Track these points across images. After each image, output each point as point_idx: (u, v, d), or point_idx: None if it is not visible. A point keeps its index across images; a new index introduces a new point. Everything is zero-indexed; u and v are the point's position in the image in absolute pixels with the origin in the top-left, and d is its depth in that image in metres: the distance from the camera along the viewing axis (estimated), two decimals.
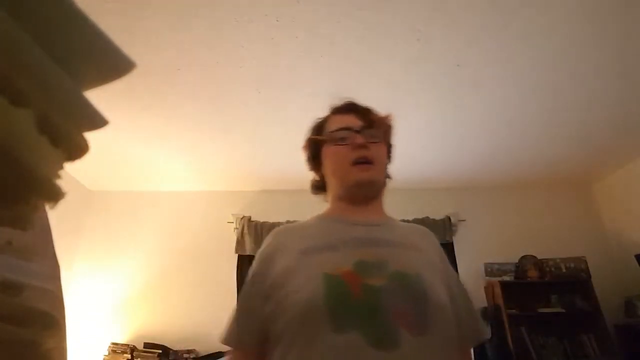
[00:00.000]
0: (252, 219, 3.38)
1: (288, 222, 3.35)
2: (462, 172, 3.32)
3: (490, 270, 3.16)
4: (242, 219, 3.36)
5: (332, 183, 0.86)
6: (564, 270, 3.07)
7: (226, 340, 0.76)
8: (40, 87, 0.23)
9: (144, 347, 2.91)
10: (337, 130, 0.84)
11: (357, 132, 0.81)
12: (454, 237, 3.35)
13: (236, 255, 3.26)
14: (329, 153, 0.85)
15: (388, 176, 0.89)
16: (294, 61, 2.08)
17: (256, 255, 0.82)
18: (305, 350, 0.61)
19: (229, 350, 0.78)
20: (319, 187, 0.93)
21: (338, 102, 0.92)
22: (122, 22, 1.80)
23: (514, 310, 2.85)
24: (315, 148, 0.89)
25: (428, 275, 0.70)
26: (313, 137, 0.90)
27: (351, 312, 0.62)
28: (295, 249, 0.75)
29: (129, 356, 2.79)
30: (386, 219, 0.84)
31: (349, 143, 0.80)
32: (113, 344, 2.89)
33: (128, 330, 3.06)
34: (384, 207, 0.87)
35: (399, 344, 0.59)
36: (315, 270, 0.68)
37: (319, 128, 0.91)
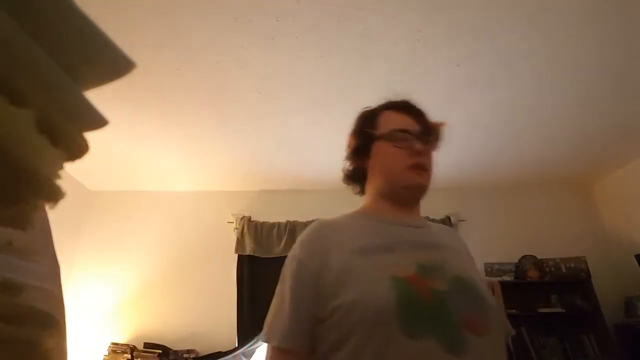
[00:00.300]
0: (252, 219, 3.38)
1: (288, 222, 3.37)
2: (462, 172, 3.31)
3: (490, 270, 3.16)
4: (242, 219, 3.36)
5: (377, 180, 0.84)
6: (564, 270, 3.07)
7: (280, 341, 0.68)
8: (40, 87, 0.23)
9: (144, 347, 2.91)
10: (397, 131, 0.82)
11: (416, 137, 0.82)
12: None
13: (236, 255, 3.26)
14: (383, 151, 0.83)
15: None
16: (294, 61, 2.08)
17: (301, 247, 0.77)
18: (378, 356, 0.59)
19: (275, 353, 0.70)
20: (356, 178, 0.90)
21: (393, 97, 0.91)
22: (122, 22, 1.80)
23: (514, 310, 2.85)
24: (367, 140, 0.86)
25: (476, 277, 0.73)
26: (369, 130, 0.86)
27: (424, 318, 0.62)
28: (348, 247, 0.72)
29: (129, 356, 2.79)
30: (424, 222, 0.85)
31: (408, 147, 0.80)
32: (113, 344, 2.89)
33: (128, 330, 3.06)
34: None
35: (469, 349, 0.60)
36: (379, 272, 0.67)
37: (372, 121, 0.88)
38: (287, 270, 0.76)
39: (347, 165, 0.92)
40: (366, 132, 0.86)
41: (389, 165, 0.82)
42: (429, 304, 0.64)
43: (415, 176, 0.79)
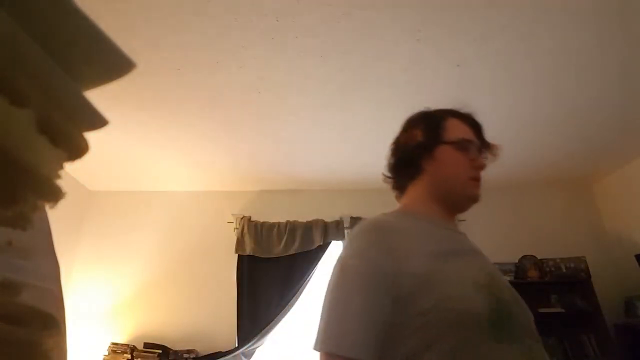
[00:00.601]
0: (252, 219, 3.38)
1: (288, 222, 3.37)
2: None
3: None
4: (242, 219, 3.36)
5: (435, 183, 0.84)
6: (564, 270, 3.07)
7: (350, 351, 0.62)
8: (40, 87, 0.23)
9: (144, 347, 2.91)
10: (466, 141, 0.85)
11: (478, 150, 0.86)
12: None
13: (236, 255, 3.26)
14: (449, 156, 0.84)
15: None
16: (294, 61, 2.08)
17: (369, 246, 0.71)
18: None
19: None
20: (405, 172, 0.89)
21: (457, 106, 0.93)
22: (122, 22, 1.80)
23: None
24: (434, 141, 0.86)
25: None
26: (437, 131, 0.86)
27: (506, 325, 0.65)
28: (421, 250, 0.71)
29: (129, 356, 2.79)
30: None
31: (471, 158, 0.84)
32: (113, 344, 2.89)
33: (128, 330, 3.06)
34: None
35: (536, 354, 0.65)
36: (462, 278, 0.68)
37: (438, 123, 0.88)
38: (352, 272, 0.69)
39: (401, 156, 0.89)
40: (436, 133, 0.86)
41: (453, 172, 0.83)
42: (505, 311, 0.67)
43: (475, 188, 0.83)
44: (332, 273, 0.73)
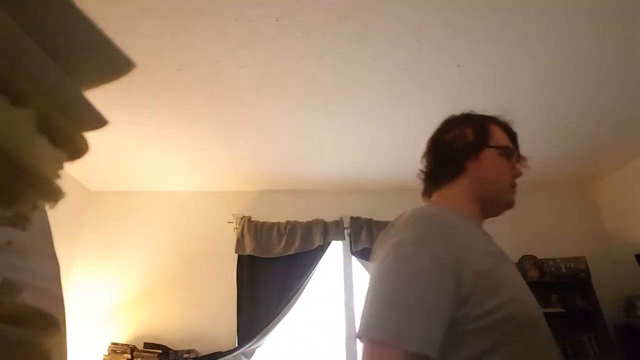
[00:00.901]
0: (252, 219, 3.38)
1: (288, 222, 3.37)
2: None
3: None
4: (242, 219, 3.36)
5: (478, 184, 0.85)
6: (564, 270, 3.07)
7: (419, 347, 0.57)
8: (40, 87, 0.23)
9: (144, 347, 2.91)
10: (509, 147, 0.89)
11: (517, 160, 0.90)
12: None
13: (236, 255, 3.26)
14: (494, 160, 0.86)
15: None
16: (293, 61, 2.08)
17: (434, 237, 0.68)
18: None
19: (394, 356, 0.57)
20: (446, 169, 0.89)
21: (496, 113, 0.96)
22: (122, 22, 1.80)
23: None
24: (481, 142, 0.87)
25: None
26: (485, 134, 0.88)
27: (546, 329, 0.69)
28: (477, 248, 0.71)
29: (129, 356, 2.79)
30: None
31: (512, 166, 0.88)
32: (113, 344, 2.89)
33: (128, 330, 3.06)
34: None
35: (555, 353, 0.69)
36: (514, 281, 0.71)
37: (484, 128, 0.90)
38: (414, 260, 0.65)
39: (445, 153, 0.89)
40: (485, 135, 0.88)
41: (497, 176, 0.86)
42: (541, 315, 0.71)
43: (513, 195, 0.87)
44: (385, 258, 0.67)
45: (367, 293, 0.66)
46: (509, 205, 0.86)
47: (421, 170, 0.92)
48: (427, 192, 0.91)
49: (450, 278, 0.63)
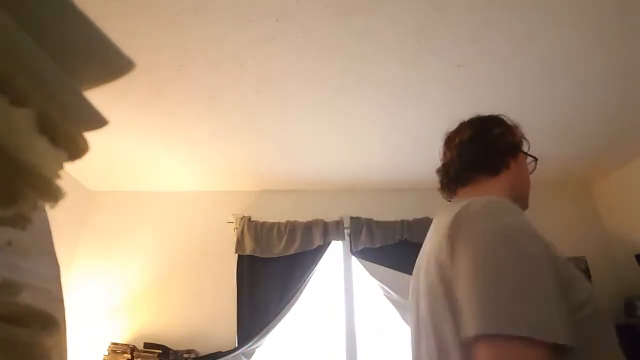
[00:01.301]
0: (252, 219, 3.37)
1: (288, 222, 3.37)
2: None
3: None
4: (242, 219, 3.36)
5: (514, 183, 0.90)
6: None
7: (564, 337, 0.52)
8: (40, 87, 0.23)
9: (144, 347, 2.91)
10: (534, 158, 0.97)
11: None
12: None
13: (236, 255, 3.26)
14: (523, 162, 0.94)
15: None
16: (294, 61, 2.08)
17: (526, 220, 0.65)
18: (612, 357, 0.65)
19: (546, 354, 0.52)
20: (485, 167, 0.90)
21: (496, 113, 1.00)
22: (122, 22, 1.80)
23: None
24: (518, 146, 0.95)
25: None
26: (522, 138, 0.97)
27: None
28: (547, 240, 0.68)
29: (129, 356, 2.79)
30: None
31: (530, 172, 0.95)
32: (113, 344, 2.88)
33: (128, 330, 3.06)
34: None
35: None
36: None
37: (514, 130, 0.97)
38: (527, 248, 0.59)
39: (493, 147, 0.91)
40: (521, 139, 0.96)
41: (525, 180, 0.93)
42: None
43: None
44: (490, 241, 0.60)
45: (473, 285, 0.57)
46: (525, 207, 0.91)
47: (452, 159, 0.92)
48: (455, 184, 0.90)
49: (555, 264, 0.60)
